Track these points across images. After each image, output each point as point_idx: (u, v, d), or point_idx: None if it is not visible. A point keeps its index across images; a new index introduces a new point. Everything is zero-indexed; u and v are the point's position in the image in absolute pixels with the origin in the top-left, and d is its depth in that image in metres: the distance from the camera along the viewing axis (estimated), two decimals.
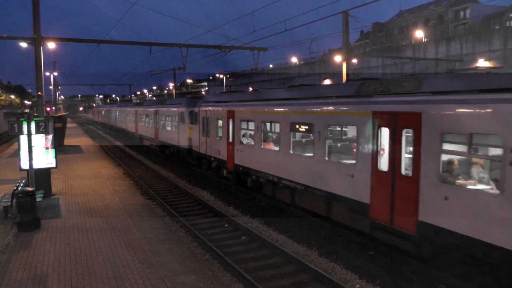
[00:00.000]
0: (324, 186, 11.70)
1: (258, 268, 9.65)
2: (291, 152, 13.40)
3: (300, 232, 12.11)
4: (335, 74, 48.36)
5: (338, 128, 11.92)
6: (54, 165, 15.26)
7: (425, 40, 56.75)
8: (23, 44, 19.80)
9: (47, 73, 51.61)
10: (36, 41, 19.19)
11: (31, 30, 19.18)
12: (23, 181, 14.86)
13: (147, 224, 12.17)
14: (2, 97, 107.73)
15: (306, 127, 12.73)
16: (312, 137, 12.38)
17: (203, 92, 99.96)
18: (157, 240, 10.73)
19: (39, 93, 20.20)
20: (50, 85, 55.05)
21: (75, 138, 45.62)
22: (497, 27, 50.27)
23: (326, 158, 11.68)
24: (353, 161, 10.81)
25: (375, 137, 9.84)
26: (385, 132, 9.67)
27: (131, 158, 30.11)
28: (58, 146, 23.37)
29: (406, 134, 9.18)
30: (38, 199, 12.98)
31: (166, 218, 13.31)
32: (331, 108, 11.69)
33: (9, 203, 13.08)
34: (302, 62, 69.89)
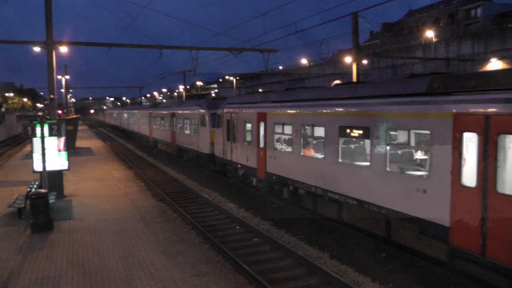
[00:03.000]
0: (384, 202, 9.93)
1: (270, 270, 9.62)
2: (339, 160, 11.69)
3: (312, 234, 12.06)
4: (345, 75, 48.22)
5: (404, 133, 10.30)
6: (66, 167, 15.44)
7: (436, 39, 56.24)
8: (36, 48, 20.09)
9: (59, 76, 52.13)
10: (49, 45, 19.45)
11: (44, 34, 19.46)
12: (36, 183, 15.03)
13: (158, 226, 12.25)
14: (15, 100, 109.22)
15: (360, 132, 11.01)
16: (368, 143, 10.79)
17: (213, 94, 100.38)
18: (169, 242, 10.80)
19: (51, 96, 20.46)
20: (62, 88, 55.54)
21: (86, 140, 46.06)
22: (509, 26, 49.62)
23: (388, 169, 9.88)
24: (425, 173, 9.25)
25: (458, 144, 8.11)
26: (471, 139, 7.99)
27: (141, 160, 30.27)
28: (70, 148, 23.59)
29: (505, 142, 7.50)
30: (51, 201, 13.12)
31: (177, 220, 13.35)
32: (394, 108, 9.84)
33: (23, 205, 13.26)
34: (311, 64, 69.73)
